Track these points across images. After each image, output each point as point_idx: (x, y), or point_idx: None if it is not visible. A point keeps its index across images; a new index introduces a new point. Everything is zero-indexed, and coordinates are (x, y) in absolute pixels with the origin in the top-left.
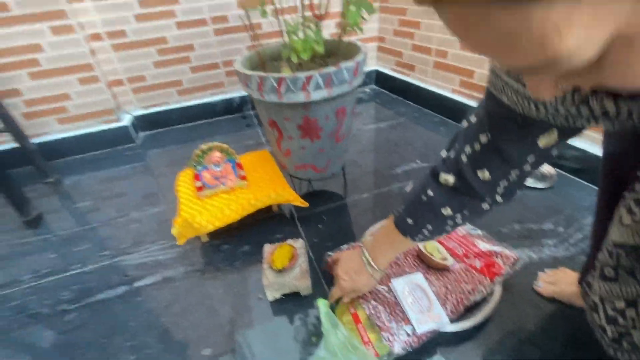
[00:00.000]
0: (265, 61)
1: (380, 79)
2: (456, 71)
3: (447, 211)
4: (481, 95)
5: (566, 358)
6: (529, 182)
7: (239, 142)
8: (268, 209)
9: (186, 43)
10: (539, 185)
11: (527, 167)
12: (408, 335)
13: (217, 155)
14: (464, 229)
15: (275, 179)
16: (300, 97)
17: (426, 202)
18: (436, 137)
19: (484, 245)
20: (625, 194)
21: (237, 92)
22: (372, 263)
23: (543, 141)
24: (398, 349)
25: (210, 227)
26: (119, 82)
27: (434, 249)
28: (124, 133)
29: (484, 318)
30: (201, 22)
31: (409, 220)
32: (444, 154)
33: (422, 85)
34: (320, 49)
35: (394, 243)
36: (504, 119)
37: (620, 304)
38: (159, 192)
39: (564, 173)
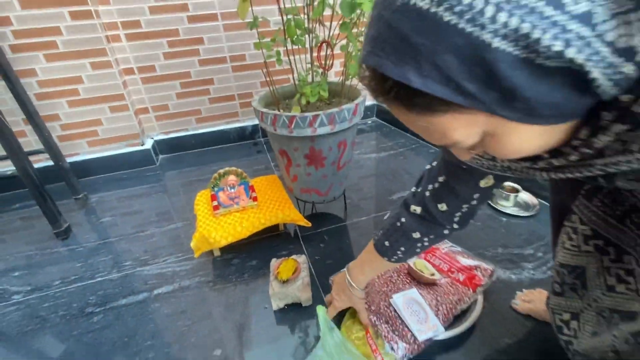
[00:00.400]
0: (278, 99)
1: (380, 112)
2: None
3: (416, 235)
4: None
5: None
6: (514, 210)
7: (250, 166)
8: (275, 227)
9: (207, 77)
10: (523, 213)
11: (474, 202)
12: (409, 344)
13: (232, 178)
14: (446, 247)
15: (283, 201)
16: (307, 131)
17: (400, 228)
18: None
19: (465, 261)
20: (565, 223)
21: (249, 122)
22: (352, 282)
23: (482, 183)
24: (401, 356)
25: (224, 242)
26: (145, 110)
27: (422, 266)
28: (146, 155)
29: (471, 324)
30: (221, 60)
31: (386, 243)
32: (413, 189)
33: None
34: (325, 95)
35: (373, 263)
36: (455, 166)
37: (566, 316)
38: (174, 211)
39: (545, 203)
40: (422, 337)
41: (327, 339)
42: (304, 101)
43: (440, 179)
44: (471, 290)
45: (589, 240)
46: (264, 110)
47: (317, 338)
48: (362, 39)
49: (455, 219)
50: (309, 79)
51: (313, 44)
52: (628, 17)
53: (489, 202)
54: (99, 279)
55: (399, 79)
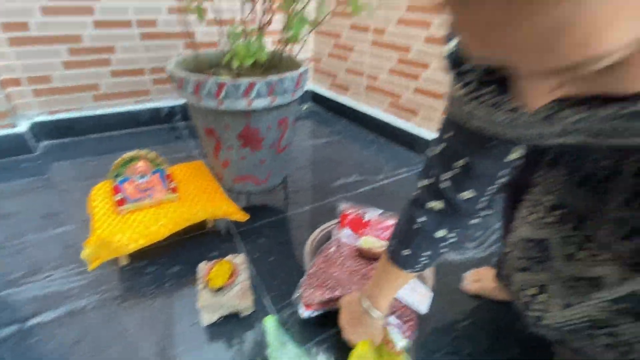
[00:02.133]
0: (202, 68)
1: (316, 98)
2: (385, 94)
3: (441, 233)
4: (408, 115)
5: (494, 346)
6: None
7: (167, 154)
8: (201, 225)
9: (106, 44)
10: None
11: (502, 179)
12: (413, 321)
13: (142, 165)
14: (382, 217)
15: (212, 191)
16: (241, 104)
17: (419, 230)
18: (369, 153)
19: None
20: (526, 197)
21: (165, 102)
22: (373, 308)
23: (512, 156)
24: (409, 337)
25: (133, 246)
26: (16, 82)
27: (370, 243)
28: (20, 141)
29: (433, 286)
30: (124, 24)
31: (405, 252)
32: (422, 183)
33: (355, 105)
34: (263, 57)
35: (393, 281)
36: (477, 144)
37: (533, 290)
38: (64, 211)
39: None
40: (422, 307)
41: (279, 356)
42: (235, 64)
43: (461, 162)
44: None
45: (553, 210)
46: (183, 74)
47: (264, 353)
48: None
49: (483, 204)
50: (242, 41)
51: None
52: None
53: None
54: None
55: None
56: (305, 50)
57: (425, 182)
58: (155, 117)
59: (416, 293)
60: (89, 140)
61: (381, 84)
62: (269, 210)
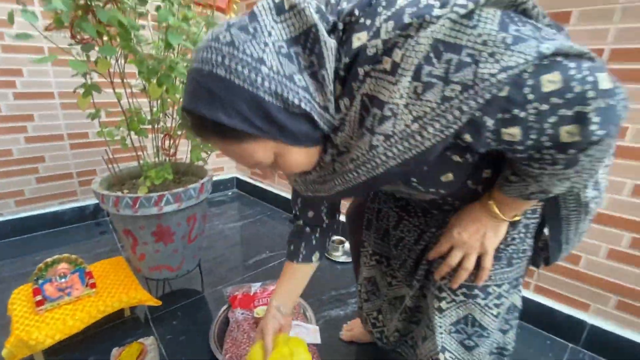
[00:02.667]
0: (124, 180)
1: (240, 184)
2: None
3: (307, 230)
4: None
5: None
6: (343, 258)
7: (91, 250)
8: (119, 314)
9: (35, 155)
10: (349, 259)
11: (327, 204)
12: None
13: (63, 266)
14: (264, 286)
15: (128, 282)
16: (153, 210)
17: (295, 233)
18: (283, 229)
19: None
20: (360, 250)
21: (91, 200)
22: (273, 299)
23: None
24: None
25: (49, 342)
26: None
27: (263, 310)
28: None
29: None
30: (56, 137)
31: (291, 247)
32: (293, 212)
33: (271, 189)
34: (169, 177)
35: (287, 274)
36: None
37: (375, 314)
38: None
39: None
40: (317, 338)
41: None
42: (148, 183)
43: (299, 200)
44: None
45: (373, 256)
46: (105, 192)
47: None
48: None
49: (324, 217)
50: (157, 160)
51: (158, 131)
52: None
53: (325, 254)
54: None
55: (212, 119)
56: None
57: (293, 212)
58: (80, 215)
59: (308, 331)
60: (6, 244)
61: None
62: (184, 294)
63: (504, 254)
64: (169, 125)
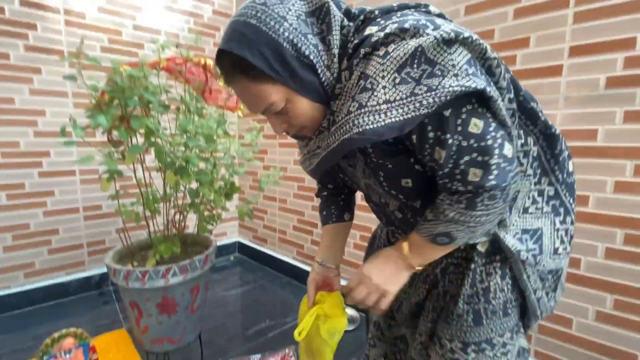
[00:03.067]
0: (134, 252)
1: (242, 248)
2: (293, 244)
3: (335, 198)
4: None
5: None
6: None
7: (94, 322)
8: None
9: (50, 228)
10: (350, 327)
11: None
12: None
13: (69, 341)
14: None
15: (129, 357)
16: (160, 282)
17: (325, 201)
18: (284, 295)
19: None
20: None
21: (97, 270)
22: (318, 259)
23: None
24: None
25: None
26: None
27: None
28: None
29: None
30: (72, 210)
31: (324, 213)
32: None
33: (273, 254)
34: (177, 251)
35: (325, 236)
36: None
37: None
38: None
39: (363, 315)
40: None
41: None
42: (157, 257)
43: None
44: None
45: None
46: (117, 267)
47: None
48: (206, 206)
49: (343, 188)
50: (166, 232)
51: (168, 214)
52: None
53: None
54: None
55: (240, 54)
56: (231, 210)
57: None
58: (85, 285)
59: None
60: (9, 317)
61: (289, 237)
62: None
63: (497, 305)
64: (180, 202)
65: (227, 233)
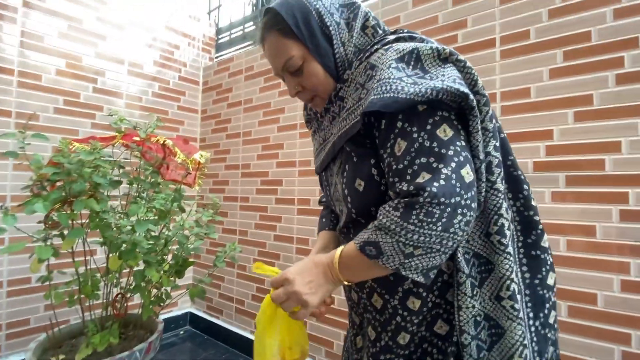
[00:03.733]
0: (62, 341)
1: (193, 320)
2: (252, 316)
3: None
4: None
5: None
6: None
7: None
8: None
9: None
10: None
11: None
12: None
13: None
14: None
15: None
16: None
17: (323, 211)
18: None
19: None
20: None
21: (16, 357)
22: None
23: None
24: None
25: None
26: None
27: None
28: None
29: None
30: None
31: (323, 220)
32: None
33: (229, 327)
34: (115, 341)
35: (319, 242)
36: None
37: None
38: None
39: None
40: None
41: None
42: (89, 350)
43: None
44: None
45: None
46: None
47: None
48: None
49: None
50: (104, 313)
51: (108, 294)
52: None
53: None
54: None
55: (278, 11)
56: (186, 277)
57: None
58: None
59: None
60: None
61: (247, 307)
62: None
63: None
64: (124, 282)
65: (178, 303)
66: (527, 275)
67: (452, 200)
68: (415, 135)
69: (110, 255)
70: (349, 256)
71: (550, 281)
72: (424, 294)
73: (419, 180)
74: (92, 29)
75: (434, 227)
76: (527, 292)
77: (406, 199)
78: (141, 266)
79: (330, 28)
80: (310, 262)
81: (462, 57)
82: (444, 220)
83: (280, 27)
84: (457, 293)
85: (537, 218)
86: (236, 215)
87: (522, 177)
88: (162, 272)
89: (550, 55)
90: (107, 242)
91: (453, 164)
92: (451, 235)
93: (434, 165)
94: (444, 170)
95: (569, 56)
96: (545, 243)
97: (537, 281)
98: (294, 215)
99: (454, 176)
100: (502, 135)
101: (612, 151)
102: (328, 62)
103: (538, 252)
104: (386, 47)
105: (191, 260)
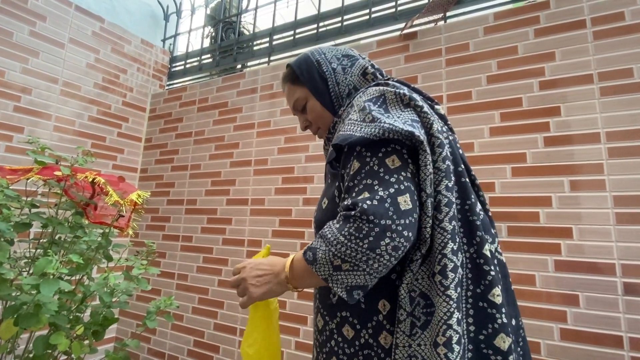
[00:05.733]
0: None
1: None
2: None
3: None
4: None
5: None
6: None
7: None
8: None
9: None
10: None
11: None
12: None
13: None
14: None
15: None
16: None
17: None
18: None
19: None
20: None
21: None
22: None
23: None
24: None
25: None
26: None
27: None
28: None
29: None
30: None
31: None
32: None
33: None
34: None
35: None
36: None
37: None
38: None
39: None
40: None
41: None
42: None
43: None
44: None
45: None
46: None
47: None
48: None
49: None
50: None
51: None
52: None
53: None
54: None
55: (293, 66)
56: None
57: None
58: None
59: None
60: None
61: None
62: None
63: None
64: (20, 351)
65: None
66: (472, 328)
67: (382, 222)
68: (368, 159)
69: (4, 320)
70: (297, 259)
71: (501, 344)
72: (358, 327)
73: (359, 197)
74: (24, 42)
75: (361, 243)
76: (470, 347)
77: (344, 212)
78: (46, 329)
79: (326, 73)
80: (275, 259)
81: (420, 102)
82: (370, 238)
83: (291, 77)
84: (396, 330)
85: (486, 268)
86: (176, 256)
87: (478, 223)
88: (74, 336)
89: (489, 115)
90: (2, 303)
91: (392, 190)
92: (377, 256)
93: (375, 187)
94: (380, 193)
95: (505, 117)
96: (495, 298)
97: (482, 337)
98: (242, 258)
99: (389, 200)
100: (464, 179)
101: (545, 205)
102: (325, 99)
103: (485, 305)
104: (365, 90)
105: (115, 317)
